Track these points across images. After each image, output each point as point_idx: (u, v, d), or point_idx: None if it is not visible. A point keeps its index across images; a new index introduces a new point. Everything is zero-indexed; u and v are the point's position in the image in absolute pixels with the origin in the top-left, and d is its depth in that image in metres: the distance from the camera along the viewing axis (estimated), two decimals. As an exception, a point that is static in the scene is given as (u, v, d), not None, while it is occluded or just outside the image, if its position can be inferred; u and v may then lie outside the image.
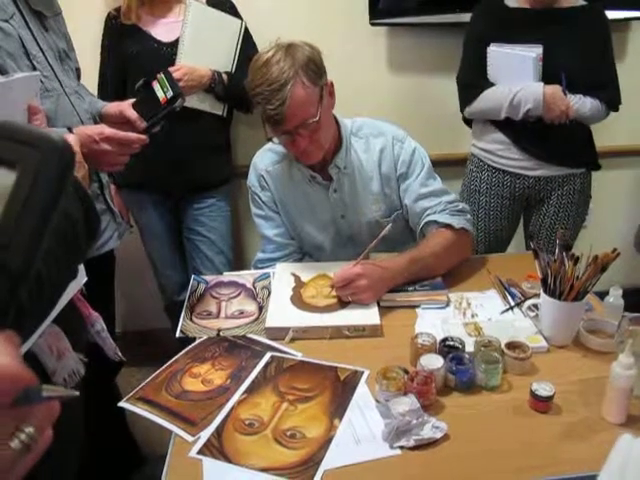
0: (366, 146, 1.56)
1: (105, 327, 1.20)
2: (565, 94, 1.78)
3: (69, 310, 1.02)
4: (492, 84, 1.88)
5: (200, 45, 1.95)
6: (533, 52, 1.77)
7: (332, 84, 1.46)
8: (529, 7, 1.84)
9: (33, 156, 0.40)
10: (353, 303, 1.36)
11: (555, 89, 1.78)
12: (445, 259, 1.47)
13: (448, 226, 1.49)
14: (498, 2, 1.88)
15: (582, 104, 1.82)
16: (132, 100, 1.31)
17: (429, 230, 1.52)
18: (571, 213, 1.97)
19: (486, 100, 1.89)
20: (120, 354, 1.23)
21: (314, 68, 1.37)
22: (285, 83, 1.31)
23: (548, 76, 1.79)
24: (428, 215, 1.52)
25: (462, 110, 1.98)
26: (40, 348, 0.97)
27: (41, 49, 1.22)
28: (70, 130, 1.08)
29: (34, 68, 1.18)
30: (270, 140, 1.47)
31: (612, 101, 1.87)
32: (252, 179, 1.63)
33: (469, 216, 1.56)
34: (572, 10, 1.82)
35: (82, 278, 1.07)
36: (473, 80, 1.92)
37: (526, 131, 1.87)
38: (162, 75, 1.26)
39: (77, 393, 0.43)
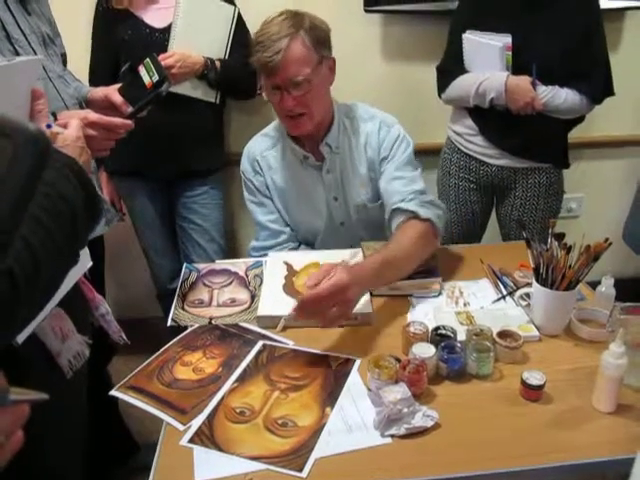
0: (356, 128, 1.57)
1: (109, 310, 1.19)
2: (534, 85, 1.72)
3: (73, 293, 1.01)
4: (466, 71, 1.86)
5: (193, 31, 1.93)
6: (500, 42, 1.72)
7: (334, 62, 1.49)
8: None
9: (7, 147, 0.39)
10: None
11: (521, 80, 1.72)
12: (414, 256, 1.36)
13: (414, 216, 1.39)
14: None
15: (554, 96, 1.74)
16: (118, 85, 1.29)
17: (395, 218, 1.44)
18: (539, 206, 1.93)
19: (457, 87, 1.88)
20: (125, 337, 1.22)
21: (318, 35, 1.42)
22: (285, 36, 1.37)
23: (526, 65, 1.72)
24: (395, 203, 1.45)
25: (439, 96, 1.97)
26: (44, 330, 0.97)
27: (23, 33, 1.20)
28: (54, 115, 1.06)
29: (16, 52, 1.16)
30: (260, 94, 1.47)
31: (594, 93, 1.77)
32: (245, 165, 1.63)
33: (440, 211, 1.44)
34: None
35: (87, 262, 1.07)
36: (449, 67, 1.91)
37: (493, 121, 1.84)
38: (148, 59, 1.24)
39: (47, 396, 0.42)
